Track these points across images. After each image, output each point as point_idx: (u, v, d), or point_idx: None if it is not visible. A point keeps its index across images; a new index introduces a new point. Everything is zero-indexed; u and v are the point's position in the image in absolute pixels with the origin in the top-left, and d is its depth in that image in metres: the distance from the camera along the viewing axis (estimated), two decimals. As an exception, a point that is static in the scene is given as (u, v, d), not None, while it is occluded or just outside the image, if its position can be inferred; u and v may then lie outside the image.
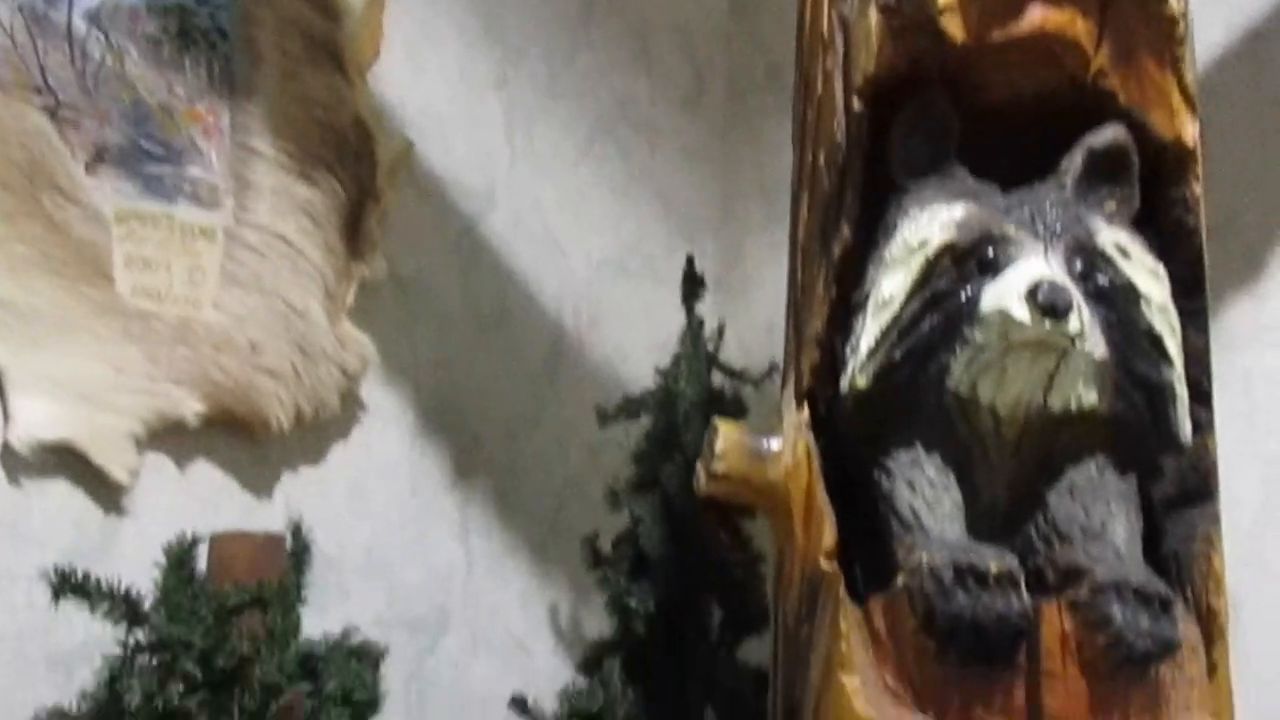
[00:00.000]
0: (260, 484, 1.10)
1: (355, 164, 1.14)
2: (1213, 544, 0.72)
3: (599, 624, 1.19)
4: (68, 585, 0.77)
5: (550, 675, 1.25)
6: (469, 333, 1.30)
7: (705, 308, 1.23)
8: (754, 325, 1.44)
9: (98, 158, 0.98)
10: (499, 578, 1.30)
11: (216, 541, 0.86)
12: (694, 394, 1.15)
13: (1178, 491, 0.76)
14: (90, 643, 0.87)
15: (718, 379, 1.20)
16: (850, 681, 0.68)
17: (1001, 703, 0.65)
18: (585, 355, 1.43)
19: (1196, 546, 0.72)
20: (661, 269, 1.47)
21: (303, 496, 1.11)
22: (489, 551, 1.30)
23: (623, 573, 1.12)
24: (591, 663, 1.14)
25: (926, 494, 0.72)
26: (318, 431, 1.14)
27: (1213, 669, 0.69)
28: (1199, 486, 0.75)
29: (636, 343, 1.44)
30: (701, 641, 1.11)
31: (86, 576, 0.78)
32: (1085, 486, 0.72)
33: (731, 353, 1.25)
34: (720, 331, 1.22)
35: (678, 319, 1.21)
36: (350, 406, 1.17)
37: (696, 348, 1.19)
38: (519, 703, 1.13)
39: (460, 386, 1.29)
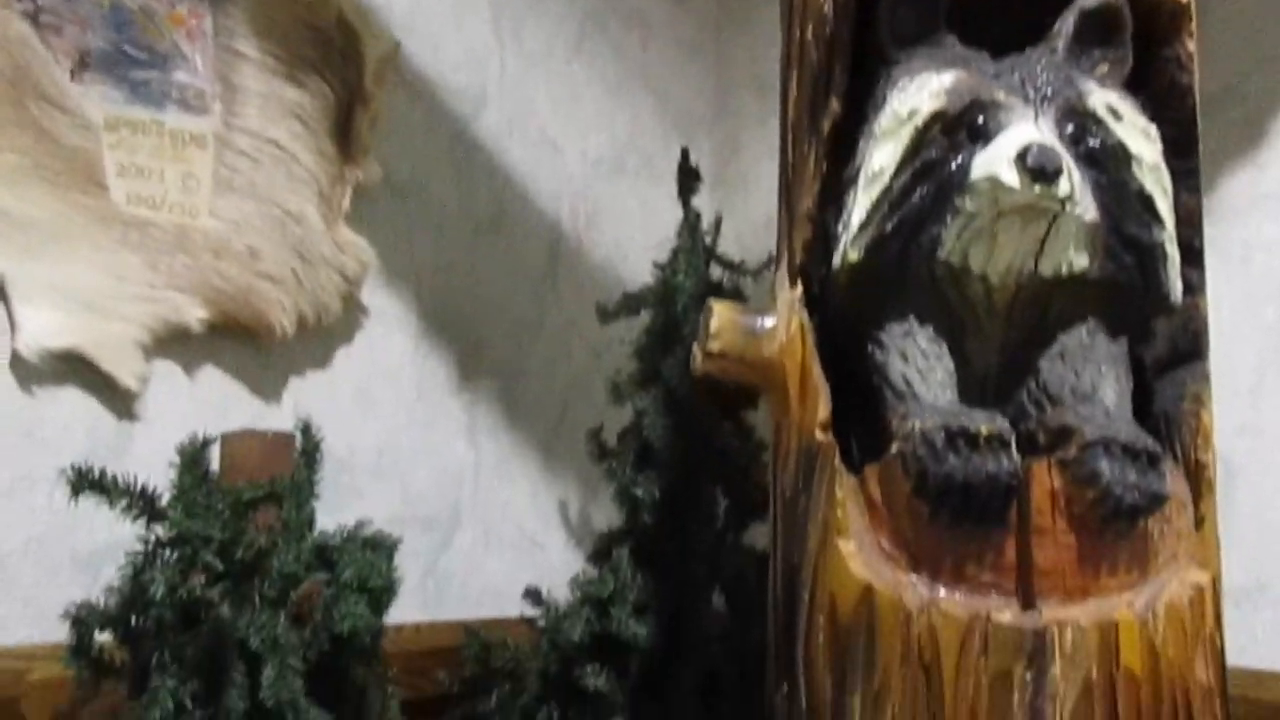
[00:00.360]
0: (268, 389, 1.12)
1: (342, 65, 1.12)
2: (1202, 402, 0.73)
3: (607, 518, 1.21)
4: (85, 482, 0.79)
5: (563, 569, 1.28)
6: (467, 236, 1.30)
7: (703, 203, 1.23)
8: (751, 219, 1.44)
9: (82, 64, 0.98)
10: (508, 476, 1.33)
11: (227, 440, 0.88)
12: (692, 287, 1.15)
13: (1169, 353, 0.76)
14: (113, 543, 0.89)
15: (716, 272, 1.21)
16: (846, 546, 0.70)
17: (993, 559, 0.67)
18: (584, 255, 1.43)
19: (1186, 405, 0.73)
20: (658, 166, 1.46)
21: (311, 400, 1.13)
22: (497, 451, 1.32)
23: (628, 464, 1.14)
24: (601, 553, 1.17)
25: (919, 364, 0.73)
26: (321, 336, 1.15)
27: (1200, 522, 0.71)
28: (1190, 347, 0.75)
29: (635, 241, 1.44)
30: (707, 528, 1.14)
31: (103, 473, 0.80)
32: (1076, 350, 0.73)
33: (730, 248, 1.25)
34: (717, 225, 1.21)
35: (676, 216, 1.21)
36: (352, 311, 1.18)
37: (694, 241, 1.19)
38: (533, 594, 1.17)
39: (461, 290, 1.30)
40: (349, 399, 1.19)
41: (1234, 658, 0.74)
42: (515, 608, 1.18)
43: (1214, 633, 0.69)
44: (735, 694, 1.06)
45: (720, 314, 0.75)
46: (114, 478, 0.81)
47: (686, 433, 1.13)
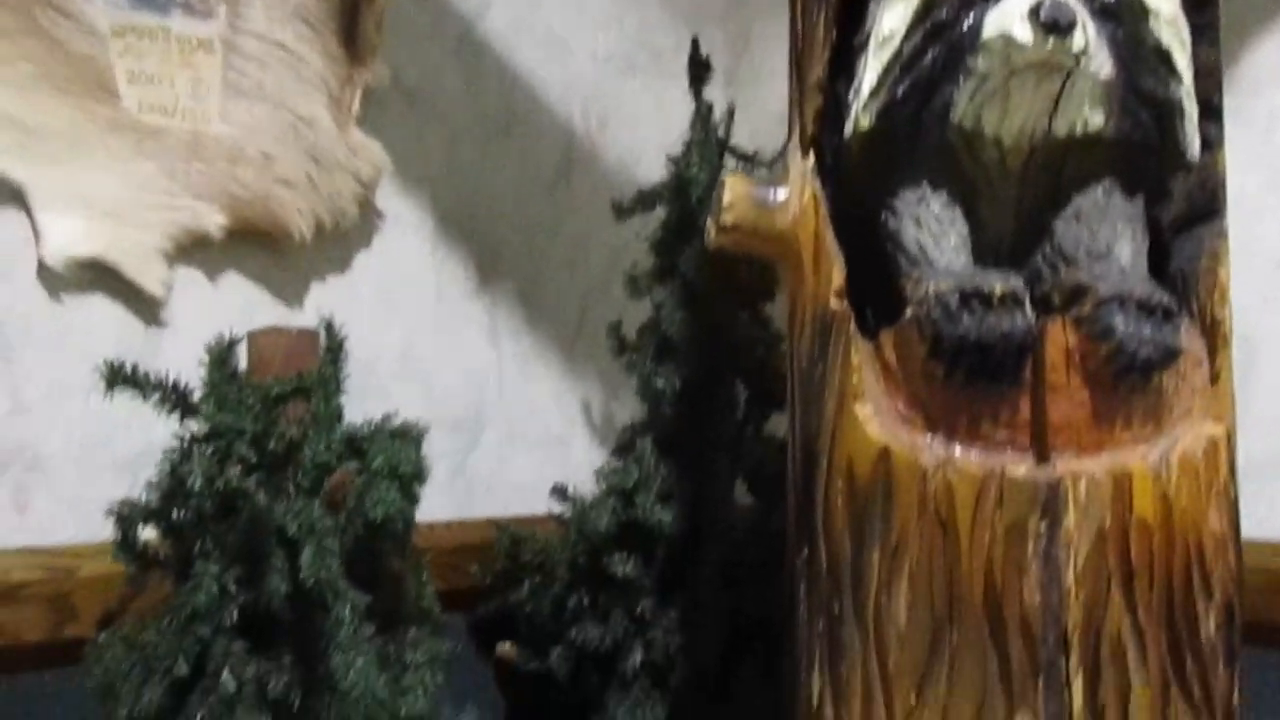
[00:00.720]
0: (290, 293, 1.13)
1: (345, -37, 1.11)
2: (1218, 258, 0.72)
3: (630, 415, 1.23)
4: (119, 377, 0.81)
5: (587, 467, 1.30)
6: (478, 138, 1.30)
7: (715, 97, 1.21)
8: (765, 113, 1.42)
9: (85, -31, 0.97)
10: (531, 377, 1.35)
11: (254, 338, 0.90)
12: (706, 179, 1.15)
13: (1186, 211, 0.76)
14: (150, 449, 0.92)
15: (730, 164, 1.20)
16: (863, 410, 0.71)
17: (1007, 417, 0.68)
18: (598, 157, 1.42)
19: (1203, 262, 0.73)
20: (669, 64, 1.44)
21: (332, 304, 1.14)
22: (519, 352, 1.34)
23: (649, 357, 1.15)
24: (625, 446, 1.19)
25: (933, 229, 0.73)
26: (340, 240, 1.16)
27: (1215, 376, 0.71)
28: (1207, 204, 0.74)
29: (649, 141, 1.43)
30: (728, 417, 1.16)
31: (135, 368, 0.82)
32: (1091, 210, 0.72)
33: (743, 141, 1.23)
34: (730, 116, 1.20)
35: (688, 115, 1.19)
36: (369, 215, 1.19)
37: (707, 133, 1.18)
38: (560, 491, 1.19)
39: (477, 193, 1.30)
40: (370, 302, 1.20)
41: (1253, 529, 0.75)
42: (542, 505, 1.20)
43: (1228, 484, 0.70)
44: (757, 577, 1.09)
45: (733, 187, 0.75)
46: (146, 373, 0.83)
47: (705, 324, 1.14)
